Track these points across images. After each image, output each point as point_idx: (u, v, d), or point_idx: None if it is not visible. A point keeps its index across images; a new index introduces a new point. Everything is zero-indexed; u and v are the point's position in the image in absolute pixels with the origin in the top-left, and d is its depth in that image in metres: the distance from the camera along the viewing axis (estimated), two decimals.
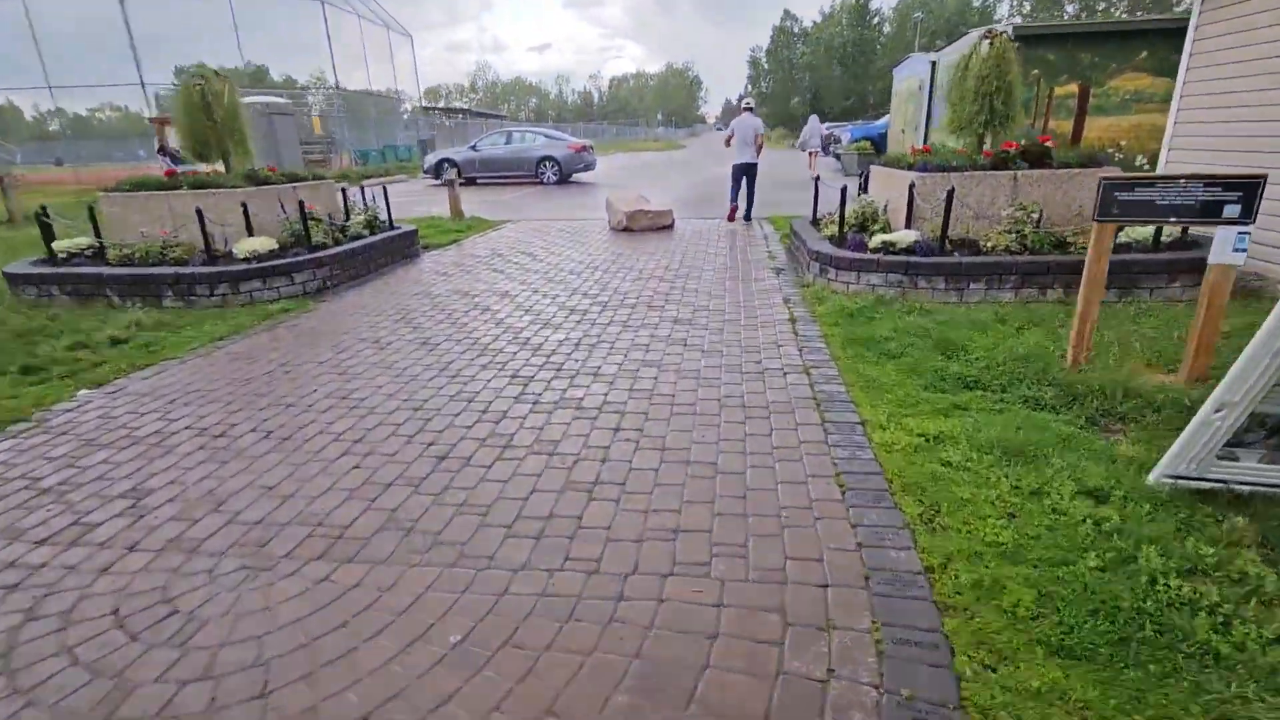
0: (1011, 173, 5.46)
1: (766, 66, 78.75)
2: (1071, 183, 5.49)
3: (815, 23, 74.12)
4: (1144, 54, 9.52)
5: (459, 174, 18.23)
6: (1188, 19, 5.95)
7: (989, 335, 4.26)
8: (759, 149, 9.89)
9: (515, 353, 4.45)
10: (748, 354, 4.24)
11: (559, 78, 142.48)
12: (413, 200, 15.01)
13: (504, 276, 6.82)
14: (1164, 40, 9.40)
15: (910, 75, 14.82)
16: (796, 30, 75.37)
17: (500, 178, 19.18)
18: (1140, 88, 9.68)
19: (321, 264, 6.29)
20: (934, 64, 13.03)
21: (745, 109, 10.14)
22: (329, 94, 26.42)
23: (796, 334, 4.60)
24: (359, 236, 7.18)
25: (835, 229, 6.29)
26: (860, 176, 8.55)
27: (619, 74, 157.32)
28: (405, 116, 33.73)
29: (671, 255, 7.75)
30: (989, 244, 5.34)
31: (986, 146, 6.09)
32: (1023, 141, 5.70)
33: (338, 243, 6.83)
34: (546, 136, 18.48)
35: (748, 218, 10.22)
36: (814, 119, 19.90)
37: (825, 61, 70.33)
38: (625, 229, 9.39)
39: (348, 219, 7.49)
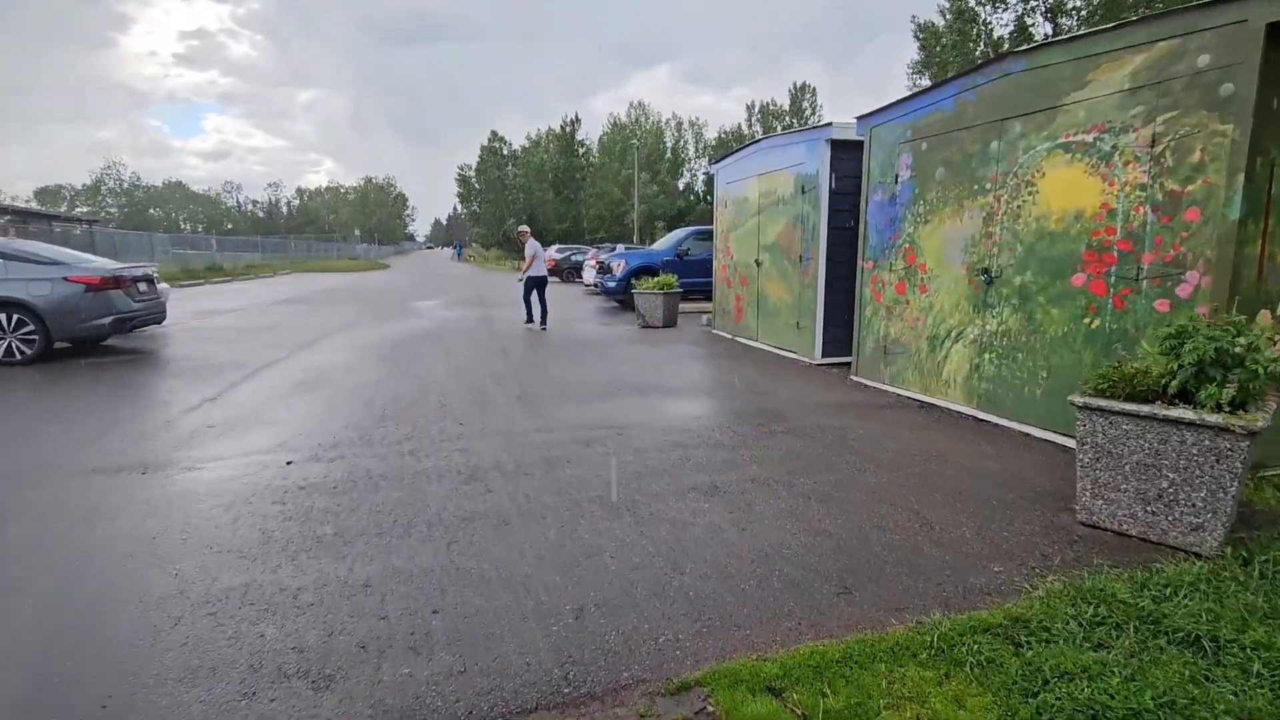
0: None
1: (478, 186, 74.13)
2: None
3: (523, 146, 72.61)
4: None
5: None
6: None
7: None
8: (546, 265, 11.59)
9: None
10: None
11: (227, 184, 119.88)
12: None
13: None
14: None
15: (770, 169, 8.48)
16: (505, 152, 72.84)
17: None
18: None
19: None
20: (863, 138, 6.68)
21: (527, 232, 11.70)
22: None
23: None
24: None
25: None
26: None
27: (309, 185, 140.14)
28: None
29: None
30: None
31: None
32: None
33: None
34: (3, 256, 7.91)
35: (544, 325, 10.85)
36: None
37: (538, 184, 68.31)
38: None
39: None
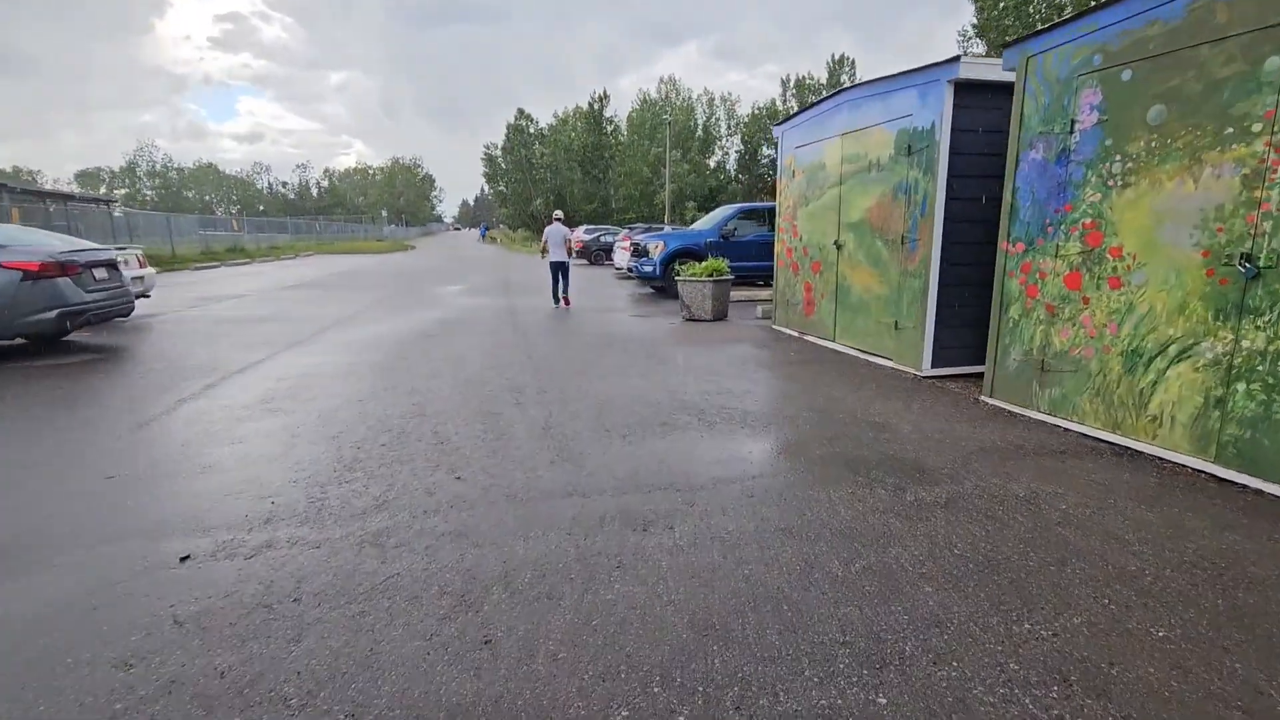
0: None
1: (504, 165, 72.38)
2: None
3: (550, 124, 70.53)
4: None
5: None
6: None
7: None
8: (569, 251, 11.81)
9: None
10: None
11: (256, 165, 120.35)
12: None
13: None
14: None
15: (861, 126, 6.70)
16: (532, 130, 70.85)
17: None
18: None
19: None
20: (1011, 75, 4.89)
21: (556, 219, 11.80)
22: None
23: None
24: None
25: None
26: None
27: (338, 167, 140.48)
28: None
29: None
30: None
31: None
32: None
33: None
34: None
35: (566, 301, 11.50)
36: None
37: (565, 163, 66.28)
38: None
39: None
